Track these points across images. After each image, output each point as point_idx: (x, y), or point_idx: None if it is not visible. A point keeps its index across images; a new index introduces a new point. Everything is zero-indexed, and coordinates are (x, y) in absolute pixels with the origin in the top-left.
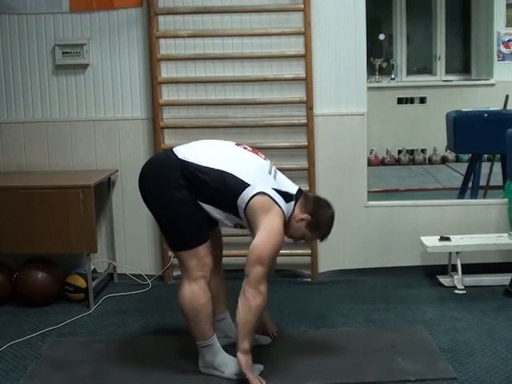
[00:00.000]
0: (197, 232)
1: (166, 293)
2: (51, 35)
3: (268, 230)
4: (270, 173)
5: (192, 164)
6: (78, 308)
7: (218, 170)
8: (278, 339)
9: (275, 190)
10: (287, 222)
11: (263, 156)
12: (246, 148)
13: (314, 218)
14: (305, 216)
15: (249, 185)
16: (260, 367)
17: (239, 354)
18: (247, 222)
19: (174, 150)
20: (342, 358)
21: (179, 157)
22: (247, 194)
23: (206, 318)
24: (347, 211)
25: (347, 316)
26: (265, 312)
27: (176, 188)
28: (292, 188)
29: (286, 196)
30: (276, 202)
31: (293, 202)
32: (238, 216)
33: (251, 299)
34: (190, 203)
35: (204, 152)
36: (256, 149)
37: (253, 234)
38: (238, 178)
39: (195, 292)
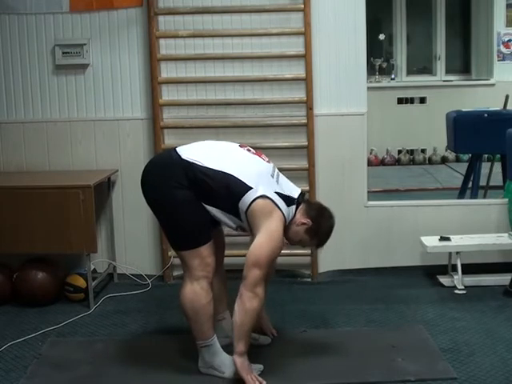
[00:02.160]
0: (199, 232)
1: (166, 293)
2: (51, 35)
3: (267, 233)
4: (272, 176)
5: (195, 165)
6: (78, 308)
7: (220, 172)
8: (278, 339)
9: (277, 193)
10: (287, 226)
11: (266, 159)
12: (249, 150)
13: (315, 224)
14: (306, 221)
15: (251, 188)
16: (260, 367)
17: (235, 357)
18: (248, 225)
19: (177, 149)
20: (342, 358)
21: (183, 157)
22: (249, 197)
23: (206, 318)
24: (347, 211)
25: (347, 316)
26: (262, 310)
27: (178, 188)
28: (294, 191)
29: (288, 200)
30: (277, 206)
31: (294, 206)
32: (240, 218)
33: (247, 302)
34: (193, 203)
35: (207, 153)
36: (257, 149)
37: (253, 237)
38: (241, 181)
39: (197, 292)
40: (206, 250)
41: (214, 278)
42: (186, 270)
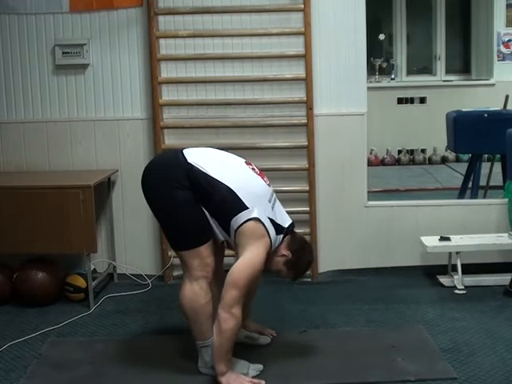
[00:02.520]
0: (198, 232)
1: (166, 293)
2: (51, 35)
3: (251, 258)
4: (269, 201)
5: (198, 170)
6: (78, 308)
7: (222, 184)
8: (278, 339)
9: (270, 219)
10: (270, 253)
11: (268, 181)
12: (254, 169)
13: (295, 257)
14: (286, 253)
15: (247, 207)
16: (260, 367)
17: (219, 378)
18: (234, 243)
19: (183, 151)
20: (342, 358)
21: (188, 160)
22: (243, 216)
23: (206, 318)
24: (347, 211)
25: (347, 316)
26: (248, 319)
27: (179, 188)
28: (286, 221)
29: (278, 228)
30: (267, 232)
31: (282, 236)
32: (229, 234)
33: (223, 323)
34: (192, 204)
35: (213, 162)
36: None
37: (237, 256)
38: (239, 198)
39: (196, 292)
40: (205, 250)
41: (214, 279)
42: (186, 270)
